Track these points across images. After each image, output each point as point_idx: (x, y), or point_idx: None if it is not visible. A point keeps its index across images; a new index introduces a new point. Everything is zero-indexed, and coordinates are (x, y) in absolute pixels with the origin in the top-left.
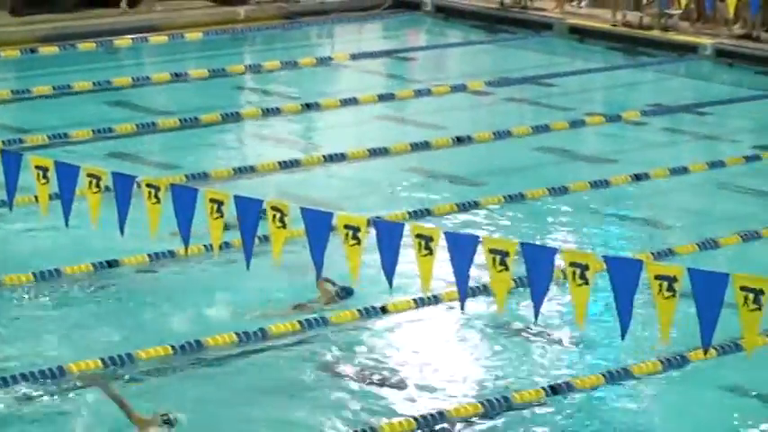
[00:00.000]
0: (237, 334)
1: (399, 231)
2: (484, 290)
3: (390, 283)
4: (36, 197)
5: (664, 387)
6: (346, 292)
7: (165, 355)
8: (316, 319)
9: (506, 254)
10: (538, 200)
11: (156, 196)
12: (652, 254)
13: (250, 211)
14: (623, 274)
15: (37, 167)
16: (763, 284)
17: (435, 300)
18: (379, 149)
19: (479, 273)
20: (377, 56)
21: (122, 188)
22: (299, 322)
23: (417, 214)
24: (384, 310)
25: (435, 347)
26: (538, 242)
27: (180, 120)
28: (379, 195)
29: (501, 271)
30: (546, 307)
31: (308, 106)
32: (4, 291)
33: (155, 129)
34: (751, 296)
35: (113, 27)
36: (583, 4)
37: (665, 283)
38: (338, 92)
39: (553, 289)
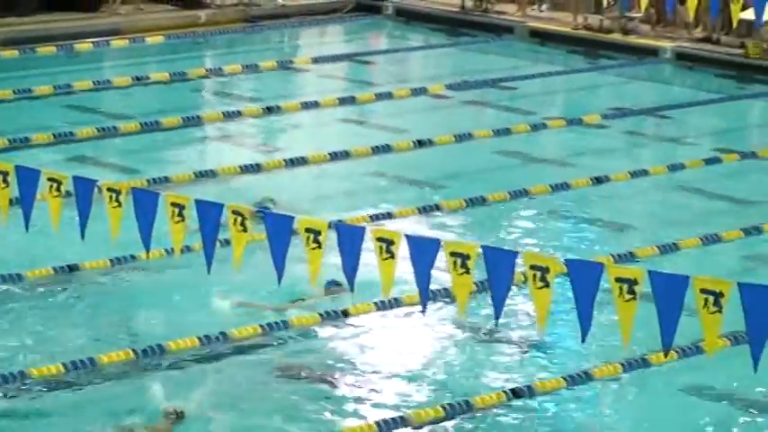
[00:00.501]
0: (199, 338)
1: (360, 235)
2: (445, 293)
3: (351, 286)
4: None
5: (625, 390)
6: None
7: (127, 360)
8: (277, 323)
9: (467, 257)
10: (499, 203)
11: (117, 200)
12: (613, 256)
13: (211, 215)
14: (584, 277)
15: None
16: (723, 287)
17: (397, 303)
18: (340, 153)
19: (441, 276)
20: (338, 59)
21: (83, 192)
22: (261, 326)
23: (379, 217)
24: (346, 313)
25: (397, 351)
26: (499, 245)
27: (141, 123)
28: (341, 199)
29: (462, 274)
30: (507, 310)
31: (269, 110)
32: None
33: (116, 133)
34: (711, 299)
35: (74, 31)
36: (544, 7)
37: (626, 286)
38: (299, 95)
39: (514, 292)
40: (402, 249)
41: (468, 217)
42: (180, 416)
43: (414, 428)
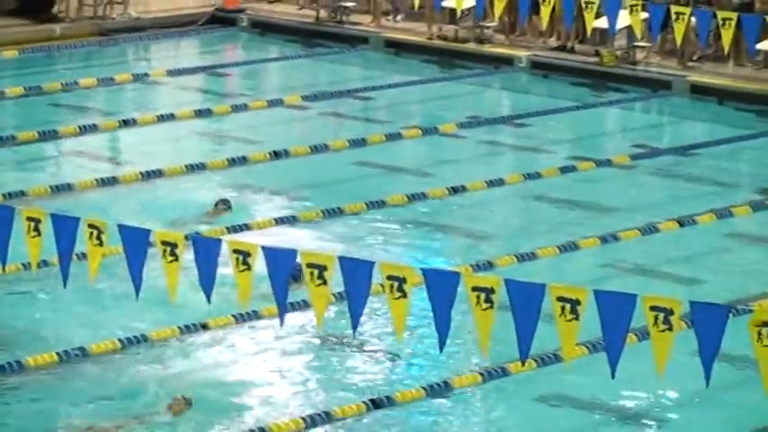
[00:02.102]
0: (58, 353)
1: (217, 247)
2: (303, 304)
3: (209, 298)
4: None
5: (484, 399)
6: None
7: None
8: (136, 336)
9: (324, 268)
10: (356, 213)
11: None
12: (471, 266)
13: (67, 229)
14: (441, 287)
15: None
16: (579, 295)
17: (255, 315)
18: (197, 165)
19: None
20: (194, 72)
21: None
22: (120, 340)
23: (236, 229)
24: (204, 326)
25: (256, 363)
26: (356, 256)
27: None
28: (197, 211)
29: (319, 285)
30: (365, 320)
31: (125, 123)
32: None
33: None
34: (568, 306)
35: None
36: (398, 17)
37: (483, 295)
38: (155, 108)
39: (372, 302)
40: (259, 261)
41: (325, 228)
42: (187, 402)
43: None
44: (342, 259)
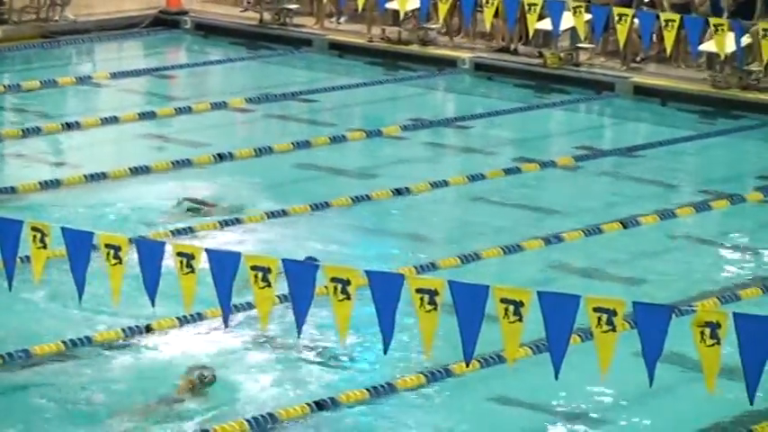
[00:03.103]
0: (1, 355)
1: (160, 250)
2: (248, 306)
3: (153, 301)
4: None
5: (428, 401)
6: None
7: None
8: (80, 339)
9: (268, 270)
10: (300, 216)
11: None
12: (414, 268)
13: (10, 232)
14: (385, 289)
15: None
16: (523, 296)
17: (199, 317)
18: (141, 168)
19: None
20: (137, 74)
21: None
22: (64, 342)
23: (180, 233)
24: (148, 328)
25: (200, 365)
26: (300, 258)
27: None
28: (142, 214)
29: (264, 288)
30: (310, 322)
31: (68, 126)
32: None
33: None
34: (511, 308)
35: None
36: (342, 19)
37: (427, 297)
38: (99, 111)
39: (316, 304)
40: (203, 263)
41: (269, 230)
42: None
43: None
44: (285, 261)
